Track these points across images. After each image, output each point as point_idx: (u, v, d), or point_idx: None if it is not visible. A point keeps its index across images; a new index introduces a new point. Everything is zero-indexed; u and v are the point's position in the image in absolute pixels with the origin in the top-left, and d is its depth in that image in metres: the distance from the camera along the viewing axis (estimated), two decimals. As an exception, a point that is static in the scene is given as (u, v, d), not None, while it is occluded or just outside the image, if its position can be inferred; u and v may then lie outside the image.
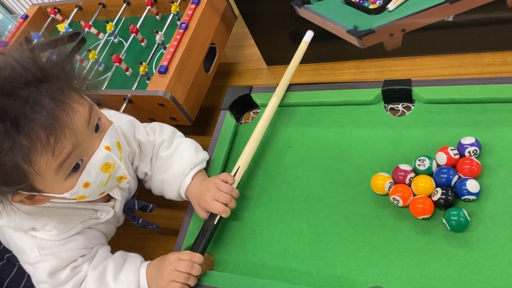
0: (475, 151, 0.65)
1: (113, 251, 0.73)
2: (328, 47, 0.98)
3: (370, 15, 0.87)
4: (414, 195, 0.65)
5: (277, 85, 0.83)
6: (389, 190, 0.66)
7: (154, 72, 0.92)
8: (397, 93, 0.76)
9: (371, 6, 0.86)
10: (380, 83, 0.78)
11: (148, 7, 1.08)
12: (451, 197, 0.62)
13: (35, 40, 1.14)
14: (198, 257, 0.66)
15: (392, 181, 0.67)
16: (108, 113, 0.73)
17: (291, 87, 0.85)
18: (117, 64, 0.98)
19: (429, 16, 0.84)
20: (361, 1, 0.87)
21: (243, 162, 0.74)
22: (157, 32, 1.00)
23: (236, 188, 0.72)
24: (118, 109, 0.90)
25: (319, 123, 0.81)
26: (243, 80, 1.12)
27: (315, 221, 0.70)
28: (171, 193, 0.77)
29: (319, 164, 0.76)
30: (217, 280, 0.67)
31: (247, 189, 0.77)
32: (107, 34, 1.10)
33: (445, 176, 0.64)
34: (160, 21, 1.12)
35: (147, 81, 0.96)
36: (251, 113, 0.90)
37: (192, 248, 0.68)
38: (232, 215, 0.72)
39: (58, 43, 0.91)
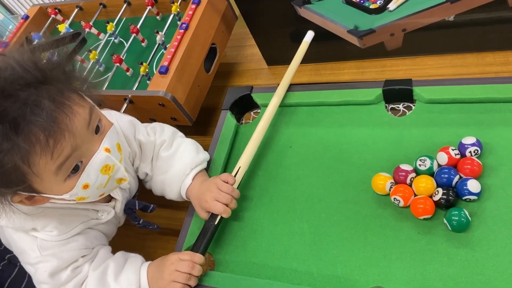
0: (476, 151, 0.65)
1: (113, 251, 0.73)
2: (328, 47, 0.98)
3: (370, 15, 0.87)
4: (415, 195, 0.65)
5: (278, 85, 0.83)
6: (390, 190, 0.66)
7: (155, 72, 0.92)
8: (398, 93, 0.76)
9: (372, 6, 0.86)
10: (380, 83, 0.78)
11: (149, 7, 1.08)
12: (452, 197, 0.62)
13: (36, 41, 1.14)
14: (199, 257, 0.66)
15: (393, 181, 0.67)
16: (109, 114, 0.74)
17: (291, 87, 0.85)
18: (118, 64, 0.98)
19: (430, 16, 0.83)
20: (362, 1, 0.86)
21: (243, 162, 0.74)
22: (157, 32, 1.00)
23: (237, 188, 0.72)
24: (118, 110, 0.90)
25: (319, 123, 0.81)
26: (244, 80, 1.12)
27: (316, 221, 0.70)
28: (171, 194, 0.77)
29: (320, 164, 0.76)
30: (218, 280, 0.66)
31: (248, 189, 0.77)
32: (107, 35, 1.10)
33: (446, 176, 0.64)
34: (161, 21, 1.12)
35: (147, 82, 0.96)
36: (251, 113, 0.90)
37: (193, 248, 0.68)
38: (233, 215, 0.72)
39: (59, 44, 0.91)
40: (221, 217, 0.70)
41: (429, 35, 0.88)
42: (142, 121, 0.81)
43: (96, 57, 1.04)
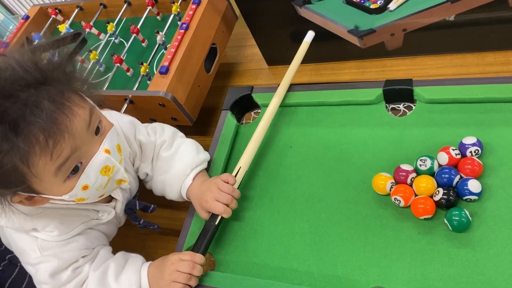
0: (476, 151, 0.65)
1: (114, 251, 0.73)
2: (329, 47, 0.98)
3: (371, 14, 0.87)
4: (416, 195, 0.65)
5: (278, 85, 0.83)
6: (390, 190, 0.66)
7: (155, 72, 0.92)
8: (398, 93, 0.76)
9: (372, 6, 0.86)
10: (381, 83, 0.78)
11: (149, 7, 1.08)
12: (453, 197, 0.62)
13: (36, 41, 1.14)
14: (199, 257, 0.66)
15: (393, 181, 0.67)
16: (109, 114, 0.74)
17: (292, 87, 0.85)
18: (118, 64, 0.98)
19: (430, 16, 0.83)
20: (362, 1, 0.86)
21: (244, 162, 0.74)
22: (158, 32, 1.00)
23: (237, 188, 0.72)
24: (119, 110, 0.90)
25: (320, 123, 0.81)
26: (244, 80, 1.11)
27: (316, 221, 0.69)
28: (172, 194, 0.77)
29: (320, 164, 0.76)
30: (218, 280, 0.66)
31: (248, 190, 0.77)
32: (108, 35, 1.10)
33: (446, 176, 0.64)
34: (161, 22, 1.12)
35: (148, 82, 0.96)
36: (252, 113, 0.90)
37: (194, 248, 0.68)
38: (233, 215, 0.72)
39: (59, 44, 0.91)
40: (222, 217, 0.70)
41: (429, 35, 0.88)
42: (143, 121, 0.81)
43: (97, 57, 1.04)
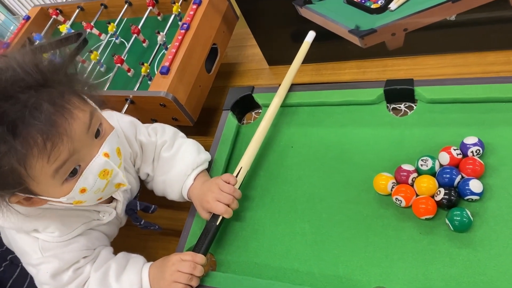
0: (478, 151, 0.65)
1: (115, 252, 0.73)
2: (329, 47, 0.98)
3: (372, 14, 0.87)
4: (417, 195, 0.65)
5: (279, 85, 0.83)
6: (391, 190, 0.66)
7: (156, 72, 0.92)
8: (399, 93, 0.76)
9: (373, 6, 0.86)
10: (382, 82, 0.77)
11: (150, 7, 1.08)
12: (454, 197, 0.62)
13: (37, 41, 1.15)
14: (200, 257, 0.66)
15: (394, 181, 0.67)
16: (110, 114, 0.74)
17: (292, 87, 0.85)
18: (119, 65, 0.98)
19: (431, 16, 0.83)
20: (363, 1, 0.86)
21: (245, 162, 0.74)
22: (158, 32, 1.00)
23: (239, 188, 0.72)
24: (120, 110, 0.90)
25: (321, 123, 0.81)
26: (245, 80, 1.11)
27: (317, 222, 0.69)
28: (173, 194, 0.77)
29: (321, 164, 0.76)
30: (219, 280, 0.66)
31: (249, 190, 0.77)
32: (108, 35, 1.10)
33: (448, 176, 0.64)
34: (162, 22, 1.12)
35: (148, 82, 0.96)
36: (253, 113, 0.90)
37: (195, 249, 0.68)
38: (235, 215, 0.72)
39: (60, 44, 0.91)
40: (223, 217, 0.70)
41: (430, 35, 0.88)
42: (143, 122, 0.81)
43: (97, 57, 1.04)
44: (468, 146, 0.65)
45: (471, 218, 0.60)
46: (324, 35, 0.92)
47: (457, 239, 0.60)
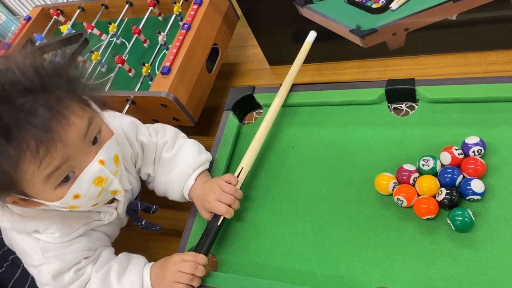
0: (479, 151, 0.65)
1: (116, 252, 0.73)
2: (330, 47, 0.98)
3: (373, 14, 0.87)
4: (418, 195, 0.65)
5: (280, 85, 0.83)
6: (393, 190, 0.66)
7: (157, 73, 0.92)
8: (400, 93, 0.76)
9: (374, 5, 0.86)
10: (383, 82, 0.77)
11: (151, 8, 1.08)
12: (456, 197, 0.61)
13: (38, 42, 1.15)
14: (201, 258, 0.66)
15: (396, 181, 0.67)
16: (111, 115, 0.73)
17: (293, 87, 0.85)
18: (120, 65, 0.98)
19: (432, 15, 0.83)
20: (364, 1, 0.86)
21: (246, 162, 0.74)
22: (159, 33, 1.00)
23: (240, 189, 0.72)
24: (121, 110, 0.90)
25: (322, 123, 0.81)
26: (246, 81, 1.11)
27: (318, 222, 0.69)
28: (174, 194, 0.77)
29: (322, 164, 0.76)
30: (220, 281, 0.66)
31: (251, 190, 0.77)
32: (109, 35, 1.10)
33: (449, 176, 0.63)
34: (163, 22, 1.12)
35: (149, 82, 0.96)
36: (254, 113, 0.90)
37: (196, 249, 0.68)
38: (236, 216, 0.72)
39: (61, 45, 0.91)
40: (224, 217, 0.70)
41: (431, 35, 0.88)
42: (144, 122, 0.81)
43: (98, 58, 1.04)
44: (469, 146, 0.65)
45: (473, 218, 0.60)
46: (325, 35, 0.92)
47: (459, 239, 0.60)
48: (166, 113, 0.92)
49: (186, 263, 0.65)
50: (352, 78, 0.98)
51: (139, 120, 0.81)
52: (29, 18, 1.23)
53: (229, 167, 0.82)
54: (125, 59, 1.00)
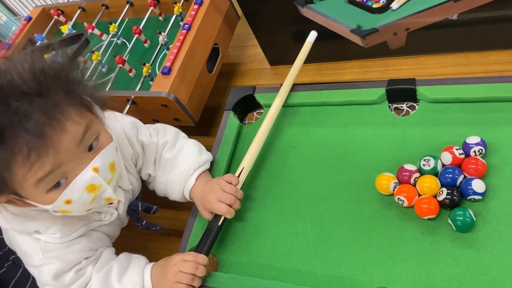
0: (480, 151, 0.65)
1: (117, 252, 0.73)
2: (331, 47, 0.98)
3: (373, 14, 0.87)
4: (419, 195, 0.65)
5: (281, 85, 0.83)
6: (393, 190, 0.66)
7: (158, 73, 0.92)
8: (401, 93, 0.76)
9: (375, 5, 0.86)
10: (384, 82, 0.77)
11: (151, 8, 1.08)
12: (457, 197, 0.61)
13: (39, 42, 1.15)
14: (202, 258, 0.66)
15: (396, 181, 0.67)
16: (111, 115, 0.73)
17: (294, 87, 0.84)
18: (121, 65, 0.98)
19: (433, 15, 0.83)
20: (365, 0, 0.86)
21: (247, 163, 0.74)
22: (160, 33, 1.00)
23: (240, 189, 0.72)
24: (121, 111, 0.90)
25: (322, 123, 0.81)
26: (247, 80, 1.11)
27: (319, 222, 0.69)
28: (175, 194, 0.77)
29: (323, 164, 0.75)
30: (221, 281, 0.66)
31: (251, 190, 0.77)
32: (110, 35, 1.10)
33: (450, 176, 0.63)
34: (163, 22, 1.12)
35: (150, 82, 0.96)
36: (254, 113, 0.90)
37: (197, 249, 0.68)
38: (237, 216, 0.72)
39: (62, 45, 0.91)
40: (225, 217, 0.70)
41: (432, 34, 0.87)
42: (145, 122, 0.81)
43: (99, 58, 1.04)
44: (470, 145, 0.65)
45: (474, 218, 0.60)
46: (325, 35, 0.92)
47: (460, 239, 0.60)
48: (167, 113, 0.92)
49: (187, 263, 0.65)
50: (352, 78, 0.98)
51: (140, 120, 0.81)
52: (29, 18, 1.23)
53: (230, 167, 0.82)
54: (126, 59, 1.00)
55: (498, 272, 0.56)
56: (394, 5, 0.84)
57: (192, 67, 0.94)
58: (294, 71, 0.83)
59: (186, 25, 0.95)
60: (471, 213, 0.60)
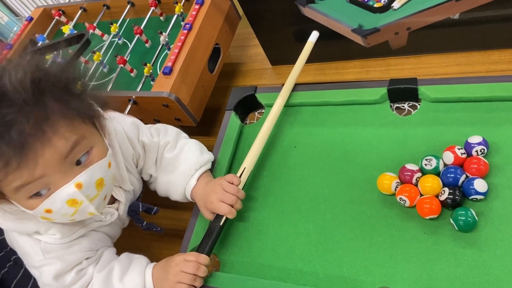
0: (482, 150, 0.64)
1: (119, 252, 0.73)
2: (333, 46, 0.98)
3: (375, 13, 0.86)
4: (421, 195, 0.64)
5: (282, 85, 0.83)
6: (395, 190, 0.66)
7: (159, 73, 0.92)
8: (403, 92, 0.76)
9: (376, 5, 0.85)
10: (385, 82, 0.77)
11: (152, 8, 1.08)
12: (459, 196, 0.61)
13: (40, 43, 1.15)
14: (204, 258, 0.66)
15: (398, 181, 0.67)
16: (112, 116, 0.73)
17: (296, 87, 0.84)
18: (122, 65, 0.98)
19: (434, 14, 0.83)
20: (366, 0, 0.86)
21: (249, 163, 0.74)
22: (161, 33, 1.00)
23: (242, 189, 0.72)
24: (123, 111, 0.90)
25: (324, 123, 0.80)
26: (248, 80, 1.11)
27: (321, 222, 0.69)
28: (176, 195, 0.77)
29: (325, 164, 0.75)
30: (223, 281, 0.66)
31: (253, 190, 0.77)
32: (111, 36, 1.10)
33: (452, 175, 0.63)
34: (164, 22, 1.12)
35: (151, 82, 0.96)
36: (256, 113, 0.90)
37: (198, 249, 0.68)
38: (238, 216, 0.72)
39: (63, 45, 0.91)
40: (226, 218, 0.70)
41: (434, 34, 0.87)
42: (146, 122, 0.81)
43: (100, 58, 1.04)
44: (472, 145, 0.65)
45: (476, 218, 0.59)
46: (327, 35, 0.92)
47: (462, 239, 0.60)
48: (168, 113, 0.92)
49: (188, 263, 0.65)
50: (354, 78, 0.98)
51: (141, 120, 0.80)
52: (31, 19, 1.23)
53: (231, 167, 0.82)
54: (127, 59, 1.00)
55: (500, 272, 0.56)
56: (395, 5, 0.84)
57: (193, 67, 0.94)
58: (296, 72, 0.83)
59: (187, 25, 0.94)
60: (473, 212, 0.59)
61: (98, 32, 1.13)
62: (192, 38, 0.93)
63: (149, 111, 0.93)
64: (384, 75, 0.94)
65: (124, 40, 1.12)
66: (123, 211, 0.74)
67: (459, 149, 0.65)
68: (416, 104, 0.76)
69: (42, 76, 0.54)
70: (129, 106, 0.92)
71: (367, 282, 0.61)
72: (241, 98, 0.87)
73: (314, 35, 0.86)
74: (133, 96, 0.91)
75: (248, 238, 0.72)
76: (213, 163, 0.80)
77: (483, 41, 0.87)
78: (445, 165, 0.66)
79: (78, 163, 0.58)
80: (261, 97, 0.87)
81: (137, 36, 1.04)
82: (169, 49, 1.01)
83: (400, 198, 0.64)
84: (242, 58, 1.17)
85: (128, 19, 1.15)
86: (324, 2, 0.89)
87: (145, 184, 0.82)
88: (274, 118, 0.78)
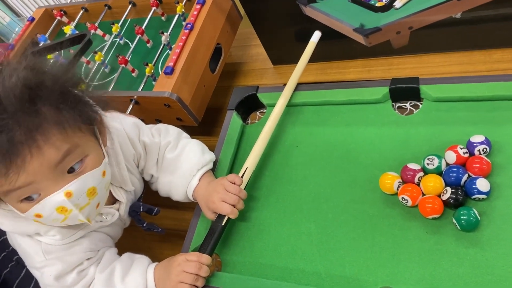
0: (485, 150, 0.64)
1: (120, 252, 0.73)
2: (334, 46, 0.98)
3: (376, 13, 0.86)
4: (423, 194, 0.64)
5: (284, 84, 0.82)
6: (397, 189, 0.66)
7: (160, 73, 0.92)
8: (404, 92, 0.75)
9: (378, 4, 0.85)
10: (387, 81, 0.77)
11: (154, 8, 1.09)
12: (461, 196, 0.61)
13: (42, 43, 1.15)
14: (206, 258, 0.66)
15: (400, 180, 0.67)
16: (113, 116, 0.73)
17: (297, 86, 0.84)
18: (123, 65, 0.98)
19: (436, 14, 0.83)
20: (368, -1, 0.86)
21: (251, 163, 0.74)
22: (162, 33, 1.00)
23: (244, 189, 0.72)
24: (124, 111, 0.90)
25: (326, 123, 0.80)
26: (249, 80, 1.11)
27: (323, 221, 0.69)
28: (178, 195, 0.77)
29: (327, 163, 0.75)
30: (225, 281, 0.66)
31: (255, 190, 0.77)
32: (113, 36, 1.10)
33: (454, 175, 0.63)
34: (166, 22, 1.12)
35: (153, 82, 0.96)
36: (257, 113, 0.90)
37: (200, 249, 0.68)
38: (240, 216, 0.71)
39: (65, 46, 0.91)
40: (228, 217, 0.70)
41: (435, 33, 0.87)
42: (148, 122, 0.81)
43: (102, 58, 1.04)
44: (475, 144, 0.65)
45: (478, 217, 0.59)
46: (328, 34, 0.92)
47: (464, 238, 0.60)
48: (170, 113, 0.92)
49: (190, 263, 0.65)
50: (356, 77, 0.98)
51: (143, 120, 0.81)
52: (32, 19, 1.23)
53: (233, 167, 0.82)
54: (129, 59, 1.00)
55: (503, 271, 0.56)
56: (397, 4, 0.84)
57: (195, 67, 0.94)
58: (298, 72, 0.83)
59: (189, 25, 0.94)
60: (476, 212, 0.59)
61: (99, 32, 1.13)
62: (194, 38, 0.93)
63: (151, 111, 0.93)
64: (386, 75, 0.94)
65: (126, 40, 1.12)
66: (124, 211, 0.74)
67: (461, 148, 0.65)
68: (418, 103, 0.76)
69: (38, 82, 0.54)
70: (131, 106, 0.92)
71: (369, 281, 0.61)
72: (243, 98, 0.87)
73: (317, 35, 0.86)
74: (135, 96, 0.91)
75: (250, 238, 0.72)
76: (215, 163, 0.80)
77: (485, 40, 0.87)
78: (447, 164, 0.66)
79: (71, 170, 0.57)
80: (262, 97, 0.87)
81: (139, 36, 1.04)
82: (170, 49, 1.01)
83: (402, 198, 0.64)
84: (244, 58, 1.17)
85: (129, 19, 1.16)
86: (325, 2, 0.89)
87: (146, 184, 0.82)
88: (276, 118, 0.78)
